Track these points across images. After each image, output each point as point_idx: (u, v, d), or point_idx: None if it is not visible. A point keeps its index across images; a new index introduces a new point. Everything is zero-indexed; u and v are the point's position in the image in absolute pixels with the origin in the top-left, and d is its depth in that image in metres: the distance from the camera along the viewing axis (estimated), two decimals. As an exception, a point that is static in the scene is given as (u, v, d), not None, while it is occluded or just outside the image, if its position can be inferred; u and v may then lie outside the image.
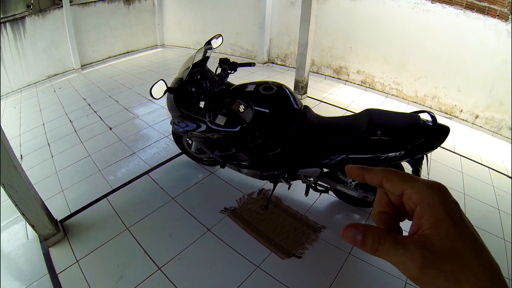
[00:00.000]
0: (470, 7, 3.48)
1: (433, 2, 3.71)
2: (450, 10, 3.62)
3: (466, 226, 0.25)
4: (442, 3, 3.65)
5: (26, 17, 5.02)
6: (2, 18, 4.71)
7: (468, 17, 3.53)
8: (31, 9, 5.05)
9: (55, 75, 5.66)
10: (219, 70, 2.12)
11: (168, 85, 1.96)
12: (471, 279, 0.23)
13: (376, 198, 0.32)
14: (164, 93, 1.89)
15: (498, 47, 3.39)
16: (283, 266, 1.86)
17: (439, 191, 0.26)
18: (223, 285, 1.75)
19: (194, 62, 2.01)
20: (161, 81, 1.87)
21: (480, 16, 3.44)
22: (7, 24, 4.80)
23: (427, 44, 3.93)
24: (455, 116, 4.06)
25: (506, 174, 3.05)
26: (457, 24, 3.61)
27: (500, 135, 3.72)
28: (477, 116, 3.87)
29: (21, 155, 3.16)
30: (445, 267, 0.23)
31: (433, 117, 1.63)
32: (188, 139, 2.61)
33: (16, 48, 5.01)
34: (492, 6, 3.34)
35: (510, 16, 3.23)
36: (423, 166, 1.76)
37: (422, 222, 0.26)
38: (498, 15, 3.32)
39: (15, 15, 4.87)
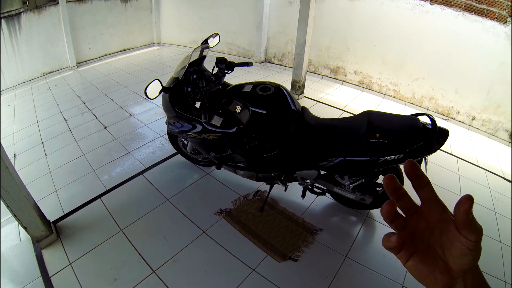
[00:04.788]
0: (469, 9, 3.48)
1: (432, 3, 3.71)
2: (449, 11, 3.62)
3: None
4: (441, 4, 3.64)
5: (22, 13, 4.94)
6: (-3, 14, 4.64)
7: (466, 19, 3.53)
8: (27, 6, 4.97)
9: (50, 72, 5.59)
10: (215, 70, 2.10)
11: (164, 85, 1.93)
12: None
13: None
14: (159, 93, 1.85)
15: (496, 50, 3.39)
16: (279, 269, 1.84)
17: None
18: (218, 289, 1.73)
19: (190, 62, 1.98)
20: (156, 80, 1.84)
21: (479, 18, 3.44)
22: (2, 20, 4.72)
23: (425, 45, 3.93)
24: (452, 118, 4.06)
25: (503, 176, 3.05)
26: (456, 26, 3.61)
27: (497, 137, 3.73)
28: (474, 118, 3.87)
29: (15, 154, 3.11)
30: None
31: (433, 120, 1.61)
32: (183, 139, 2.58)
33: (11, 44, 4.93)
34: (491, 9, 3.34)
35: (508, 19, 3.23)
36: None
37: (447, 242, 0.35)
38: (496, 18, 3.32)
39: (10, 11, 4.79)
